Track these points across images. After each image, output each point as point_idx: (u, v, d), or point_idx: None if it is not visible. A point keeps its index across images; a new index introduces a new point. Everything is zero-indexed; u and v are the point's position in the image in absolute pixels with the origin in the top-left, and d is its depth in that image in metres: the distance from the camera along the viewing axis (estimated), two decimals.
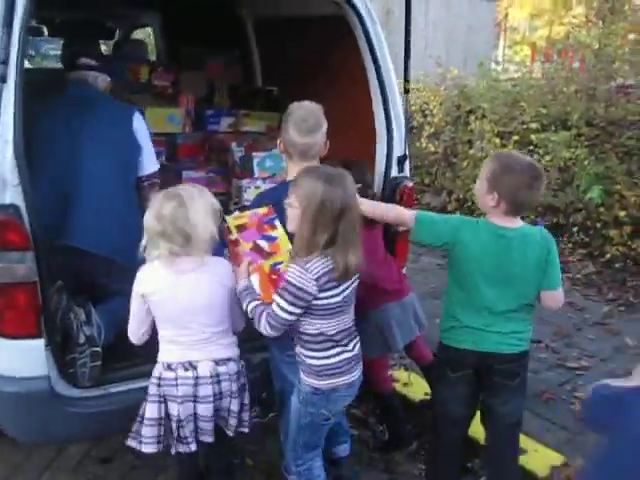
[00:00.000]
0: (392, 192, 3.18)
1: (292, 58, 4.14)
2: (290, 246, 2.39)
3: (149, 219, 2.24)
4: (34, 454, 3.17)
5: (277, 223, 2.44)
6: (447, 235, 2.53)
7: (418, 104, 7.59)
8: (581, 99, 6.54)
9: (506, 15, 23.14)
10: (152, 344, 2.44)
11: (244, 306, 2.34)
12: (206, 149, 4.19)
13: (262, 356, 2.80)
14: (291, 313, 2.25)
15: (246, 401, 2.50)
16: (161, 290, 2.30)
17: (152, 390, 2.37)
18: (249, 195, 3.62)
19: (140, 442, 2.36)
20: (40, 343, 2.46)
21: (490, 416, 2.71)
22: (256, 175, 3.72)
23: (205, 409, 2.36)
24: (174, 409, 2.35)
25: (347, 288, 2.33)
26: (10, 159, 2.34)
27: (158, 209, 2.22)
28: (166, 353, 2.39)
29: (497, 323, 2.53)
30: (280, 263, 2.40)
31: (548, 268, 2.49)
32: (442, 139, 7.31)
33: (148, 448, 2.36)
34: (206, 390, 2.35)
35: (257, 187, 3.68)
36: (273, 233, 2.43)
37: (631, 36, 7.28)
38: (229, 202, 3.76)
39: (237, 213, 2.48)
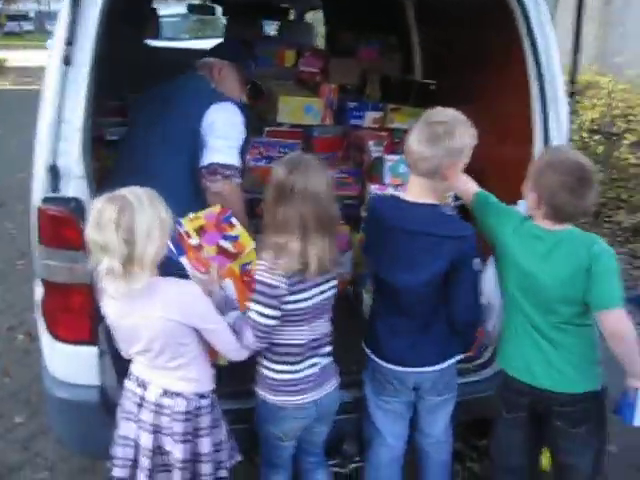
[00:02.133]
0: None
1: (451, 48, 3.62)
2: (253, 243, 2.22)
3: (88, 227, 1.89)
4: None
5: (234, 220, 2.25)
6: (493, 218, 2.26)
7: (621, 108, 6.60)
8: None
9: None
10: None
11: (227, 320, 2.07)
12: (345, 146, 3.80)
13: (354, 395, 2.47)
14: (272, 317, 2.03)
15: (203, 450, 2.11)
16: (108, 316, 2.05)
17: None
18: None
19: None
20: (93, 351, 2.28)
21: (557, 470, 2.34)
22: (387, 181, 3.24)
23: (144, 437, 2.07)
24: (119, 421, 2.13)
25: (320, 294, 2.10)
26: (78, 148, 2.15)
27: (97, 215, 1.87)
28: (133, 362, 2.15)
29: (544, 346, 2.15)
30: (248, 263, 2.19)
31: (592, 283, 2.03)
32: None
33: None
34: (146, 415, 2.07)
35: None
36: (233, 232, 2.23)
37: None
38: (360, 208, 3.34)
39: (192, 215, 2.20)
